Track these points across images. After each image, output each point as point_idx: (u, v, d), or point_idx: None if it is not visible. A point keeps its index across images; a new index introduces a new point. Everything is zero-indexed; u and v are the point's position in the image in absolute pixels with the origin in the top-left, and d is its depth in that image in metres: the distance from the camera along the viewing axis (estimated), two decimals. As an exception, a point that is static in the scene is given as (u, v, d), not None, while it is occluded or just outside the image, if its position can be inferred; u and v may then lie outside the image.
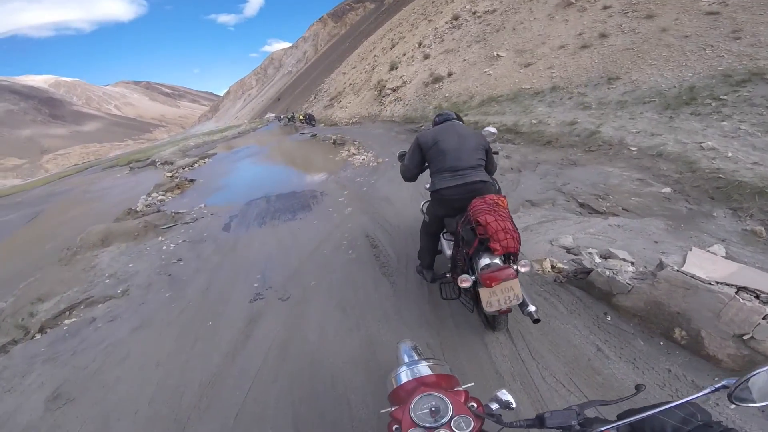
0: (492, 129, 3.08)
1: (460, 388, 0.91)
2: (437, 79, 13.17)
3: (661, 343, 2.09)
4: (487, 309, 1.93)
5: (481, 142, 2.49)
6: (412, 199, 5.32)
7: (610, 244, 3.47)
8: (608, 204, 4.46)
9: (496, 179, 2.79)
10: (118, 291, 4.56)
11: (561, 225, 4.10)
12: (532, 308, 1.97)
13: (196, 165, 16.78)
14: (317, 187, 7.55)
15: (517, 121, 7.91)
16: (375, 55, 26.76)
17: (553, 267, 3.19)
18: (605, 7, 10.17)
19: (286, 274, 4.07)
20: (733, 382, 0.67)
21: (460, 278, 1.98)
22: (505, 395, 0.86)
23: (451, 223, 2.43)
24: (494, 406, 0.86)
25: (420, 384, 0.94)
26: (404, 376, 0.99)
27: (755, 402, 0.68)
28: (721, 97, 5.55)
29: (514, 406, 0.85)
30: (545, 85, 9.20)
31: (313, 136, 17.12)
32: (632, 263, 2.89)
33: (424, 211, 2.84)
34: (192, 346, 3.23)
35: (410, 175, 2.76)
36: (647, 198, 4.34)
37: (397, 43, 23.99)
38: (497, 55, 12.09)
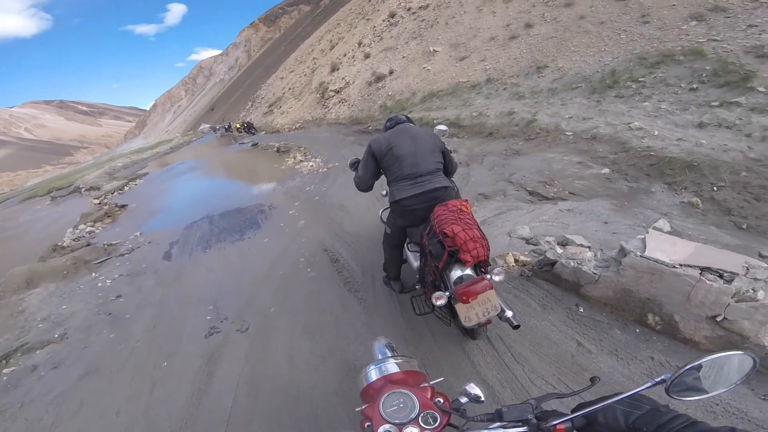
0: (442, 126, 2.95)
1: (427, 384, 0.92)
2: (379, 78, 13.06)
3: (638, 330, 2.08)
4: (467, 324, 1.78)
5: (437, 142, 2.33)
6: (368, 205, 5.10)
7: (564, 229, 3.52)
8: (555, 189, 4.58)
9: (453, 181, 2.65)
10: (56, 335, 3.88)
11: (515, 215, 4.12)
12: (509, 313, 1.85)
13: (126, 188, 15.16)
14: (264, 200, 7.06)
15: (459, 114, 8.00)
16: (314, 58, 26.10)
17: (516, 261, 3.15)
18: (528, -2, 10.63)
19: (240, 302, 3.66)
20: (669, 376, 0.69)
21: (434, 296, 1.80)
22: (474, 389, 0.88)
23: (415, 233, 2.26)
24: (464, 399, 0.88)
25: (388, 381, 0.95)
26: (373, 374, 1.00)
27: (690, 396, 0.72)
28: (640, 79, 5.97)
29: (482, 399, 0.87)
30: (480, 78, 9.42)
31: (254, 145, 16.24)
32: (589, 248, 2.92)
33: (385, 221, 2.63)
34: (150, 391, 2.77)
35: (365, 186, 2.53)
36: (590, 180, 4.51)
37: (337, 43, 23.57)
38: (433, 50, 12.23)
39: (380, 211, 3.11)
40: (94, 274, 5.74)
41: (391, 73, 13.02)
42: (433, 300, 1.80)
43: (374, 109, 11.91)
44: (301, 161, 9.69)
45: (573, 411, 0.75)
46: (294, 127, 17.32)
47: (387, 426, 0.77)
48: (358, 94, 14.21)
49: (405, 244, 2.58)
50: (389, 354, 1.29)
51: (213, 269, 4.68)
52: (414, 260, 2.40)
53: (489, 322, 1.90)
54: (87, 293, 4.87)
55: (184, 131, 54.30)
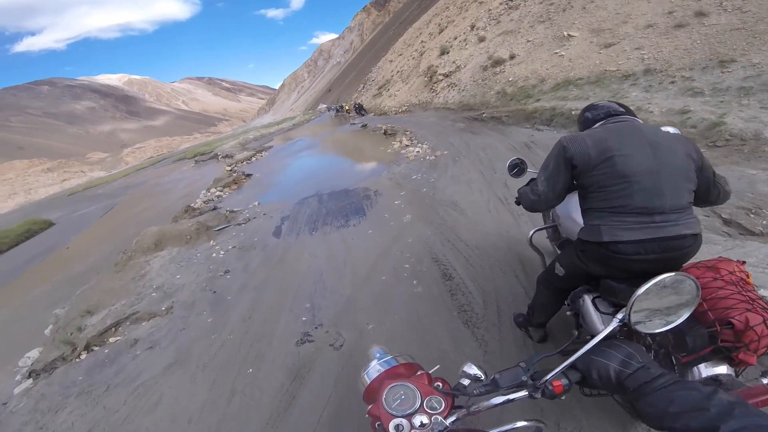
0: (671, 129, 1.77)
1: (423, 371, 0.90)
2: (497, 62, 11.55)
3: None
4: None
5: (693, 155, 1.32)
6: (491, 208, 4.19)
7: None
8: (765, 222, 3.11)
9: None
10: (163, 308, 4.03)
11: (707, 250, 2.83)
12: None
13: (253, 159, 16.69)
14: (370, 185, 6.65)
15: (604, 106, 6.37)
16: (422, 41, 25.02)
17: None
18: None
19: (338, 305, 3.22)
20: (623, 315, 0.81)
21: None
22: (472, 368, 0.84)
23: (621, 291, 1.36)
24: (465, 381, 0.85)
25: (384, 378, 0.89)
26: (368, 375, 0.93)
27: (651, 327, 0.84)
28: None
29: (482, 377, 0.83)
30: (636, 68, 7.43)
31: (364, 126, 16.24)
32: None
33: (559, 260, 1.69)
34: (229, 401, 2.51)
35: (545, 206, 1.59)
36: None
37: (446, 27, 22.07)
38: (568, 35, 10.22)
39: (530, 233, 2.23)
40: (212, 242, 5.99)
41: (512, 57, 11.38)
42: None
43: (490, 95, 10.58)
44: (407, 146, 9.08)
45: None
46: (401, 110, 16.81)
47: (397, 420, 0.75)
48: (470, 78, 12.88)
49: (583, 297, 1.67)
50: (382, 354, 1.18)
51: (316, 255, 4.39)
52: (600, 323, 1.50)
53: None
54: (201, 264, 5.04)
55: (305, 110, 58.73)
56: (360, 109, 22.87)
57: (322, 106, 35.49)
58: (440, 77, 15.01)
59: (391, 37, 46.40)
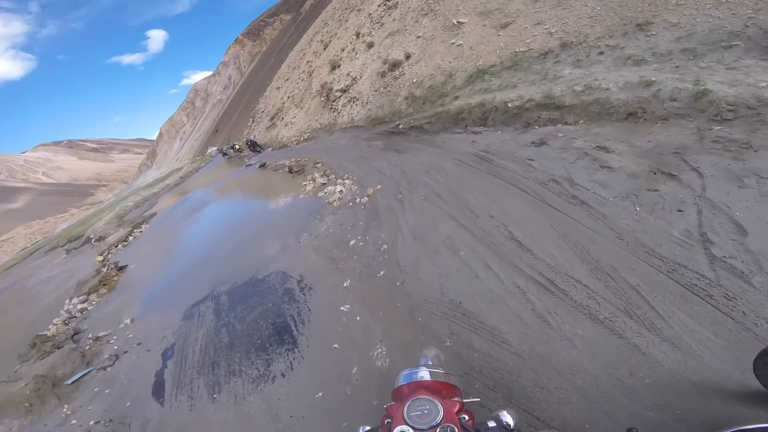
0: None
1: (459, 399, 0.89)
2: (394, 65, 10.28)
3: None
4: None
5: None
6: (540, 309, 2.38)
7: None
8: None
9: None
10: None
11: None
12: None
13: (130, 237, 12.86)
14: (289, 265, 4.52)
15: (547, 91, 5.27)
16: (308, 61, 23.28)
17: None
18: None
19: None
20: None
21: None
22: (506, 416, 0.81)
23: None
24: (491, 424, 0.82)
25: (419, 387, 0.91)
26: (405, 378, 0.96)
27: None
28: None
29: (512, 428, 0.80)
30: (548, 44, 6.66)
31: (262, 166, 13.73)
32: None
33: None
34: None
35: None
36: None
37: (330, 41, 20.70)
38: (458, 22, 9.40)
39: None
40: (65, 407, 3.80)
41: (408, 57, 10.22)
42: None
43: (398, 103, 9.19)
44: (324, 184, 7.11)
45: None
46: (302, 139, 14.70)
47: (404, 427, 0.75)
48: (371, 88, 11.46)
49: None
50: (430, 363, 1.20)
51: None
52: None
53: None
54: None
55: (193, 157, 52.14)
56: (254, 146, 20.08)
57: (213, 149, 31.17)
58: (338, 93, 13.35)
59: (274, 65, 43.73)
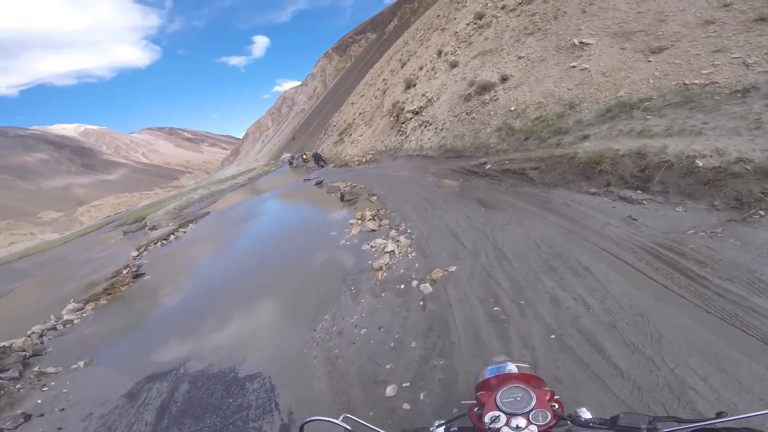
0: None
1: (548, 389, 0.87)
2: (484, 88, 8.23)
3: None
4: None
5: None
6: None
7: None
8: None
9: None
10: None
11: None
12: None
13: (172, 236, 12.24)
14: (279, 379, 2.60)
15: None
16: (384, 79, 22.27)
17: None
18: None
19: None
20: None
21: None
22: (585, 413, 0.78)
23: None
24: (585, 415, 0.79)
25: (509, 378, 0.90)
26: (492, 371, 0.96)
27: None
28: None
29: (591, 423, 0.76)
30: (747, 78, 4.12)
31: (319, 183, 12.39)
32: None
33: None
34: None
35: None
36: None
37: (408, 60, 19.41)
38: (579, 43, 7.10)
39: None
40: None
41: (504, 79, 8.10)
42: None
43: (485, 134, 7.06)
44: (373, 230, 5.20)
45: None
46: (364, 160, 13.18)
47: (496, 413, 0.74)
48: (449, 113, 9.49)
49: None
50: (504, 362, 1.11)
51: None
52: None
53: None
54: None
55: (269, 159, 54.77)
56: (318, 159, 19.21)
57: (286, 156, 31.75)
58: (408, 115, 11.62)
59: (354, 81, 44.50)
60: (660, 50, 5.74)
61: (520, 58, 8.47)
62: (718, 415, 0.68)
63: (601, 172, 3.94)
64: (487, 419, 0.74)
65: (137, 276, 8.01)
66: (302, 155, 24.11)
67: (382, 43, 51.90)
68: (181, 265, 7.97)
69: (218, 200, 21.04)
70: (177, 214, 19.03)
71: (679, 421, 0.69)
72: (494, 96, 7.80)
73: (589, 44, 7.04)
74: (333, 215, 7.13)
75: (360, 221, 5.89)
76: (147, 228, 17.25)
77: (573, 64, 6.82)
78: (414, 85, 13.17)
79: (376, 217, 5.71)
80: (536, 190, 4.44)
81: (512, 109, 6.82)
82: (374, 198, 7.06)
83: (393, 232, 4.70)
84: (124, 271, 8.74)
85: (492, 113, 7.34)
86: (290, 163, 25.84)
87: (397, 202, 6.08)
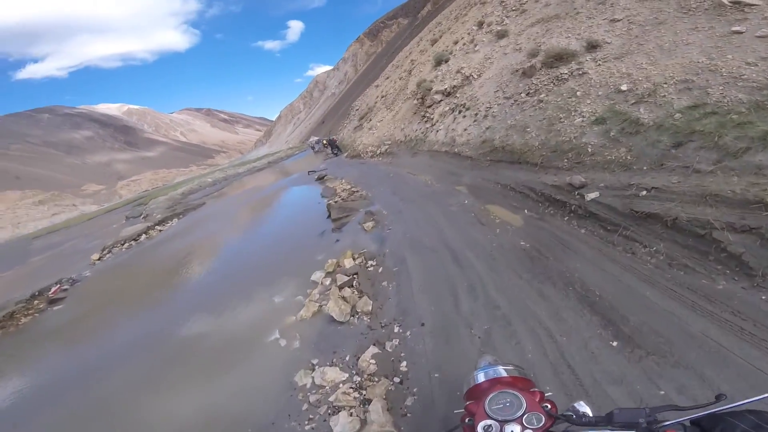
0: None
1: (537, 390, 0.83)
2: (559, 58, 5.22)
3: None
4: None
5: None
6: None
7: None
8: None
9: None
10: None
11: None
12: None
13: (143, 237, 10.08)
14: None
15: None
16: (411, 60, 19.02)
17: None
18: None
19: None
20: None
21: None
22: (582, 407, 0.76)
23: None
24: (582, 408, 0.78)
25: (496, 383, 0.87)
26: (481, 376, 0.92)
27: None
28: None
29: (590, 416, 0.74)
30: None
31: (321, 179, 9.76)
32: None
33: None
34: None
35: None
36: None
37: (440, 37, 16.08)
38: (733, 2, 3.87)
39: None
40: None
41: (593, 46, 4.99)
42: None
43: (572, 128, 4.08)
44: (341, 320, 2.56)
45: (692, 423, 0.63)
46: (378, 152, 10.38)
47: (488, 421, 0.70)
48: (499, 93, 6.42)
49: None
50: (490, 363, 1.08)
51: None
52: None
53: None
54: None
55: (299, 142, 53.29)
56: (333, 146, 16.64)
57: (313, 139, 29.81)
58: (437, 96, 8.63)
59: (383, 66, 41.15)
60: None
61: (614, 21, 5.27)
62: (718, 398, 0.65)
63: None
64: (480, 429, 0.70)
65: (53, 302, 5.85)
66: (323, 141, 21.84)
67: (415, 28, 47.81)
68: (117, 292, 5.69)
69: (224, 188, 19.06)
70: (178, 201, 17.10)
71: (678, 408, 0.66)
72: (578, 69, 4.75)
73: (753, 5, 3.83)
74: (303, 250, 4.52)
75: (328, 290, 3.21)
76: (141, 216, 15.52)
77: (733, 28, 3.64)
78: (446, 61, 10.07)
79: (355, 293, 2.99)
80: (755, 297, 1.56)
81: (623, 88, 3.77)
82: (369, 223, 4.36)
83: (379, 316, 2.02)
84: (53, 288, 6.64)
85: (579, 94, 4.31)
86: (312, 149, 23.71)
87: (398, 250, 3.34)
